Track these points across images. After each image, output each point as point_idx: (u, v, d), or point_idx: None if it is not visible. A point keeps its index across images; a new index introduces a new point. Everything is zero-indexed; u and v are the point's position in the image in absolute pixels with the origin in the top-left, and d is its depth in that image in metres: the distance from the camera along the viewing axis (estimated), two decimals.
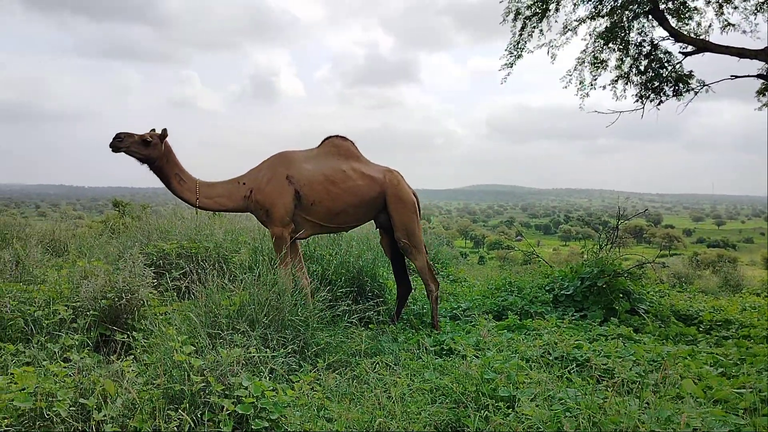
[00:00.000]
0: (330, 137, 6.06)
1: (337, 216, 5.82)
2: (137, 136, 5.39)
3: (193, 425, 3.06)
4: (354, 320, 5.50)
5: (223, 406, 3.14)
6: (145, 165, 5.52)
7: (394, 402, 3.54)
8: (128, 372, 3.41)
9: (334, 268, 6.37)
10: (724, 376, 4.56)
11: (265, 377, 3.67)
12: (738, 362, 5.19)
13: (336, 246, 7.08)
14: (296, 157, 5.83)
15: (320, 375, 4.00)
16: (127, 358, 3.77)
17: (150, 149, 5.43)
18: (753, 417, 3.26)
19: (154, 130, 5.55)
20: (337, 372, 4.24)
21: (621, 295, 7.31)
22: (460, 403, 3.65)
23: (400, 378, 4.11)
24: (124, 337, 4.33)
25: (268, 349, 4.02)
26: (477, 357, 4.45)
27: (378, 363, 4.57)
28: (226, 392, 3.30)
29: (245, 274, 4.86)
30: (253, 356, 3.81)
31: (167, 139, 5.58)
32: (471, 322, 6.47)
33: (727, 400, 3.88)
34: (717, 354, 5.45)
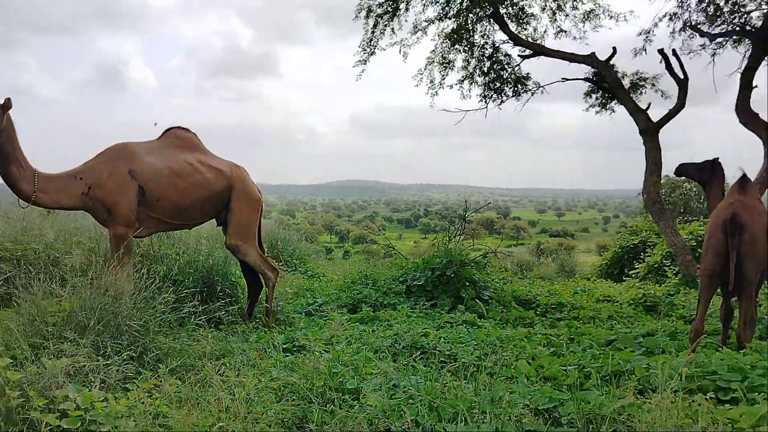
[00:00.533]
0: (171, 128, 5.76)
1: (183, 212, 5.56)
2: None
3: None
4: (202, 322, 5.29)
5: (45, 422, 2.87)
6: None
7: (238, 403, 3.45)
8: None
9: (180, 268, 6.08)
10: (555, 355, 4.93)
11: (96, 387, 3.41)
12: (567, 341, 5.68)
13: (183, 244, 6.77)
14: (137, 149, 5.45)
15: (160, 381, 3.80)
16: None
17: None
18: (574, 391, 3.58)
19: None
20: (179, 377, 4.05)
21: (468, 284, 7.73)
22: (306, 399, 3.64)
23: (246, 378, 4.01)
24: None
25: (101, 357, 3.75)
26: (327, 351, 4.47)
27: (225, 365, 4.43)
28: (50, 406, 3.02)
29: (77, 277, 4.49)
30: (83, 366, 3.53)
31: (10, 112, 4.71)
32: (325, 317, 6.49)
33: (555, 377, 4.21)
34: (550, 335, 5.92)
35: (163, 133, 5.73)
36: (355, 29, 10.88)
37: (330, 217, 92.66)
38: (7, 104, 4.61)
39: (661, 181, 11.36)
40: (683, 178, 17.87)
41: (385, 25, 10.73)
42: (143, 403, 3.31)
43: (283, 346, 4.98)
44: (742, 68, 9.85)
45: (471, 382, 3.76)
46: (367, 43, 10.86)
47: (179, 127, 5.79)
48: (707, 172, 6.21)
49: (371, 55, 10.89)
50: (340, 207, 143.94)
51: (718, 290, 5.60)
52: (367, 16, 10.76)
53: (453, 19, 10.91)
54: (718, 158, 6.23)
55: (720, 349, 4.96)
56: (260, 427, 3.08)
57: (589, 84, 11.66)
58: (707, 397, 3.57)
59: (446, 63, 11.22)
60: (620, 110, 11.28)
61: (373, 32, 10.76)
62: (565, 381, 4.06)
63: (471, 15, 10.80)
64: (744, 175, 5.69)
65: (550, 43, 11.75)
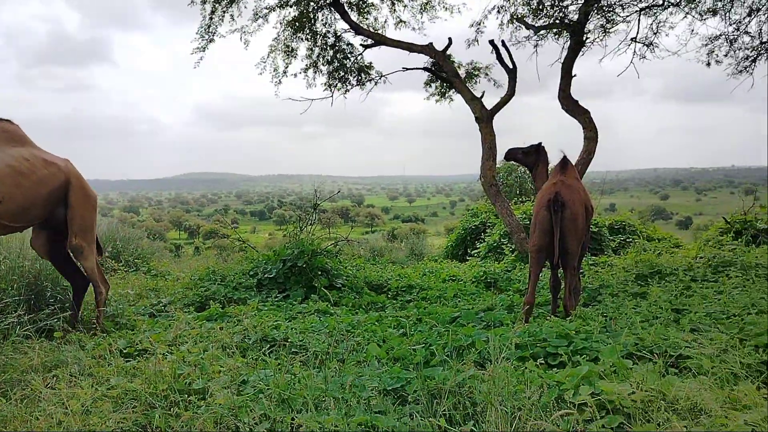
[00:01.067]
0: None
1: (26, 212, 4.97)
2: None
3: None
4: (30, 332, 4.78)
5: None
6: None
7: (72, 417, 3.16)
8: None
9: (1, 275, 5.45)
10: (404, 336, 5.10)
11: None
12: (416, 322, 5.90)
13: (4, 248, 6.06)
14: None
15: None
16: None
17: None
18: (420, 370, 3.72)
19: None
20: (2, 394, 3.64)
21: (320, 273, 7.75)
22: (149, 404, 3.44)
23: (81, 389, 3.70)
24: None
25: None
26: (171, 353, 4.24)
27: (57, 376, 4.05)
28: None
29: None
30: None
31: None
32: (171, 317, 6.17)
33: (404, 357, 4.34)
34: (400, 316, 6.11)
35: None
36: (193, 14, 10.37)
37: (178, 212, 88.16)
38: None
39: (497, 165, 12.19)
40: (508, 159, 19.41)
41: (224, 11, 10.34)
42: None
43: (124, 351, 4.66)
44: (563, 58, 10.82)
45: (321, 370, 3.78)
46: (205, 30, 10.40)
47: (2, 119, 5.17)
48: (532, 156, 6.77)
49: (210, 42, 10.45)
50: (188, 201, 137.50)
51: (547, 264, 6.13)
52: (203, 2, 10.29)
53: (294, 7, 10.79)
54: (541, 143, 6.80)
55: (550, 318, 5.44)
56: None
57: (428, 74, 12.16)
58: (537, 363, 3.92)
59: (289, 51, 11.09)
60: (458, 99, 11.90)
61: (211, 18, 10.32)
62: (413, 360, 4.20)
63: (312, 3, 10.75)
64: (564, 157, 6.28)
65: (390, 33, 12.08)
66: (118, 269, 8.65)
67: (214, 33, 10.38)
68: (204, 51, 10.49)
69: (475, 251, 12.98)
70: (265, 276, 7.60)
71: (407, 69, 11.60)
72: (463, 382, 3.36)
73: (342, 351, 4.50)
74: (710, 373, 3.30)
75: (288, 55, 11.06)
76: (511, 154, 6.98)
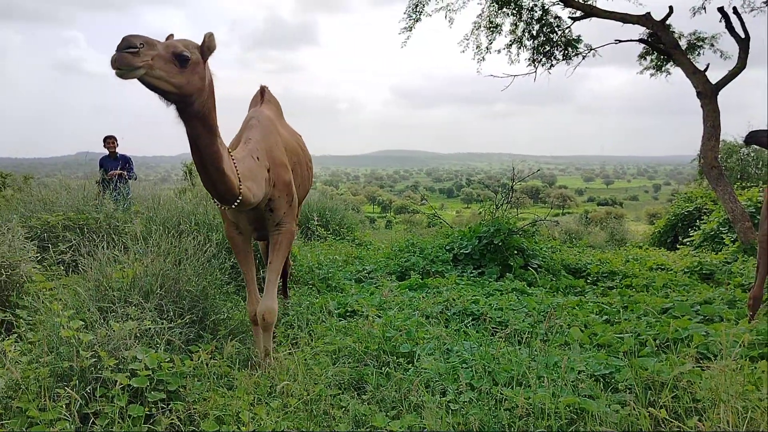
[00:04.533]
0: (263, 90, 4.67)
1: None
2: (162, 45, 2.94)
3: (83, 402, 2.93)
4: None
5: (117, 381, 3.01)
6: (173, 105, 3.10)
7: (297, 365, 3.55)
8: (10, 351, 3.19)
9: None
10: (608, 323, 4.89)
11: (162, 349, 3.56)
12: (621, 309, 5.60)
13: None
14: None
15: (221, 344, 3.93)
16: (10, 337, 3.53)
17: (188, 73, 3.01)
18: (631, 358, 3.54)
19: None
20: (239, 340, 4.19)
21: (516, 252, 7.67)
22: (361, 361, 3.72)
23: (302, 341, 4.12)
24: (5, 316, 4.04)
25: (164, 321, 3.89)
26: (379, 317, 4.53)
27: (282, 330, 4.55)
28: (120, 366, 3.17)
29: (138, 244, 4.65)
30: (149, 329, 3.68)
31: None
32: (375, 283, 6.56)
33: (609, 345, 4.16)
34: (602, 303, 5.84)
35: (262, 97, 4.53)
36: None
37: (372, 187, 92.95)
38: (210, 44, 3.13)
39: (719, 146, 10.95)
40: (740, 143, 17.19)
41: None
42: (206, 364, 3.45)
43: (336, 312, 5.08)
44: None
45: (525, 348, 3.76)
46: (413, 9, 10.68)
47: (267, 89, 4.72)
48: None
49: (417, 21, 10.71)
50: (382, 177, 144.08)
51: None
52: None
53: None
54: None
55: None
56: (319, 388, 3.17)
57: (643, 46, 11.23)
58: None
59: (493, 27, 10.95)
60: (676, 72, 10.86)
61: None
62: (620, 348, 4.00)
63: None
64: None
65: (602, 3, 11.34)
66: (327, 237, 9.41)
67: (422, 12, 10.63)
68: (411, 30, 10.80)
69: (688, 239, 11.85)
70: (461, 251, 7.72)
71: (620, 41, 10.83)
72: (683, 375, 3.13)
73: (543, 331, 4.44)
74: None
75: (492, 31, 10.94)
76: (754, 137, 6.21)
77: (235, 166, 3.44)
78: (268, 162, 3.84)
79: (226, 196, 3.42)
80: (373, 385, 3.38)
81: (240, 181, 3.44)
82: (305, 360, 3.72)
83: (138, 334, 3.58)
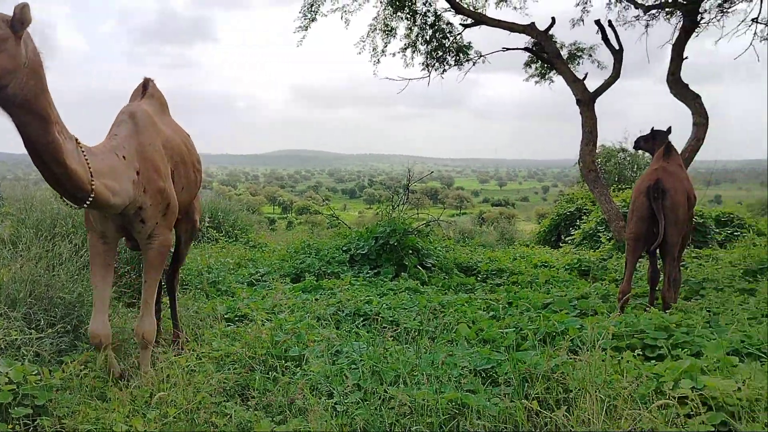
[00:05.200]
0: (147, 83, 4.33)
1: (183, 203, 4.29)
2: None
3: None
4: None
5: None
6: None
7: (178, 373, 3.41)
8: None
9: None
10: (494, 319, 5.08)
11: (28, 360, 3.30)
12: (506, 305, 5.86)
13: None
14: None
15: (95, 354, 3.70)
16: None
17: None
18: (511, 353, 3.70)
19: None
20: (115, 349, 3.96)
21: (411, 252, 7.82)
22: (248, 367, 3.64)
23: (187, 347, 3.97)
24: None
25: (33, 331, 3.62)
26: (269, 320, 4.45)
27: (164, 338, 4.36)
28: None
29: (5, 249, 4.29)
30: (15, 339, 3.40)
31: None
32: (268, 286, 6.45)
33: (494, 340, 4.33)
34: (490, 299, 6.08)
35: (144, 91, 4.21)
36: None
37: (273, 187, 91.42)
38: (23, 17, 2.63)
39: (597, 151, 11.73)
40: (617, 147, 18.58)
41: None
42: (78, 375, 3.24)
43: (225, 316, 4.94)
44: (674, 40, 10.18)
45: (412, 346, 3.83)
46: (308, 9, 10.62)
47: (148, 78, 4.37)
48: (649, 142, 6.53)
49: (312, 21, 10.67)
50: (282, 177, 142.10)
51: (646, 255, 5.88)
52: None
53: None
54: (654, 128, 6.53)
55: (648, 309, 5.23)
56: (201, 396, 3.06)
57: (528, 54, 11.82)
58: (635, 354, 3.78)
59: (388, 30, 11.12)
60: (558, 80, 11.51)
61: None
62: (503, 343, 4.18)
63: None
64: (668, 143, 5.99)
65: (491, 12, 11.82)
66: (219, 239, 9.13)
67: (317, 12, 10.59)
68: (306, 30, 10.73)
69: (570, 238, 12.61)
70: (358, 252, 7.76)
71: (507, 49, 11.33)
72: (556, 367, 3.31)
73: (432, 329, 4.55)
74: None
75: (387, 34, 11.10)
76: (637, 144, 6.81)
77: (87, 160, 3.07)
78: (138, 164, 3.49)
79: (74, 194, 3.06)
80: (259, 390, 3.32)
81: (93, 177, 3.08)
82: (188, 367, 3.58)
83: (2, 346, 3.31)
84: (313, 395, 3.11)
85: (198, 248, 8.12)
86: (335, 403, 3.03)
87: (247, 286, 6.56)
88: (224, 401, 3.17)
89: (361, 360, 3.51)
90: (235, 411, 2.96)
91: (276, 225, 30.90)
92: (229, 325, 4.65)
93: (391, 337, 4.15)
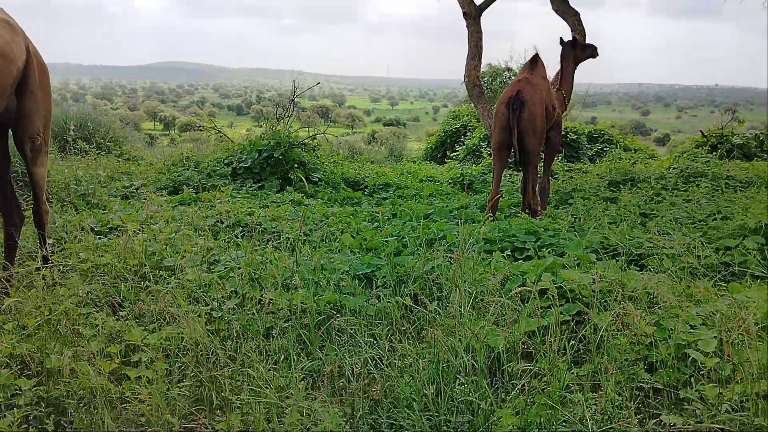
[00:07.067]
0: None
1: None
2: None
3: None
4: None
5: None
6: None
7: (38, 289, 3.17)
8: None
9: None
10: (378, 229, 5.16)
11: None
12: (390, 217, 5.97)
13: None
14: None
15: None
16: None
17: None
18: (391, 258, 3.79)
19: None
20: None
21: (296, 166, 7.69)
22: (120, 278, 3.47)
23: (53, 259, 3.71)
24: None
25: None
26: (142, 231, 4.24)
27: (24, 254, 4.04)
28: None
29: None
30: None
31: None
32: (143, 199, 6.12)
33: (377, 248, 4.41)
34: (375, 212, 6.16)
35: None
36: None
37: (153, 102, 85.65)
38: None
39: (483, 69, 11.92)
40: (503, 66, 19.03)
41: None
42: None
43: (95, 229, 4.65)
44: None
45: (293, 254, 3.82)
46: None
47: None
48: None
49: None
50: (163, 91, 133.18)
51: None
52: None
53: None
54: (561, 38, 6.71)
55: (520, 216, 5.54)
56: (64, 306, 2.87)
57: None
58: (504, 255, 4.01)
59: None
60: None
61: None
62: (385, 250, 4.27)
63: None
64: (535, 54, 6.22)
65: None
66: (90, 151, 8.46)
67: None
68: None
69: (454, 154, 12.95)
70: (240, 165, 7.52)
71: None
72: (432, 269, 3.44)
73: (315, 239, 4.55)
74: (670, 271, 3.41)
75: None
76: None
77: None
78: None
79: None
80: (131, 300, 3.18)
81: None
82: (52, 279, 3.35)
83: None
84: (188, 304, 3.03)
85: (66, 161, 7.50)
86: (211, 309, 2.98)
87: (120, 200, 6.18)
88: (94, 312, 3.01)
89: (239, 268, 3.45)
90: (104, 321, 2.82)
91: (157, 142, 29.22)
92: (99, 238, 4.38)
93: (272, 246, 4.11)
